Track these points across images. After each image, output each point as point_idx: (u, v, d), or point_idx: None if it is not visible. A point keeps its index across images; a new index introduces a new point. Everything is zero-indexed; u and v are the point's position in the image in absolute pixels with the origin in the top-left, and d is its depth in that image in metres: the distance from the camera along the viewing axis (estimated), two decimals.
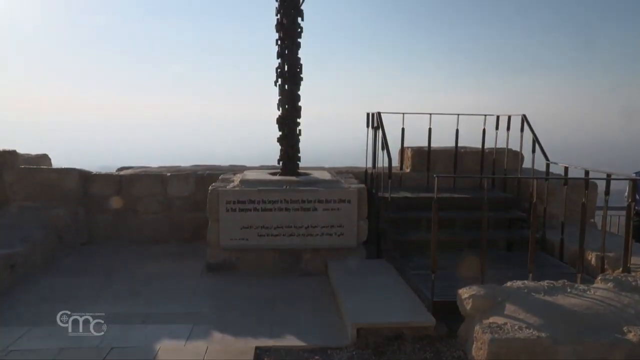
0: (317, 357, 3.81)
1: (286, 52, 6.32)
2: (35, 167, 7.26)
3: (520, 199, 6.71)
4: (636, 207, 5.86)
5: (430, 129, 7.11)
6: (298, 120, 6.49)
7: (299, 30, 6.33)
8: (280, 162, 6.62)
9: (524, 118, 6.63)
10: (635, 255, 4.48)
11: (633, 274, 4.24)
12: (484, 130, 7.11)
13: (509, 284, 3.97)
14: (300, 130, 6.53)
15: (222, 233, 5.81)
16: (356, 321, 4.11)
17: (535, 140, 6.42)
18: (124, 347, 3.96)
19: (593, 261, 5.22)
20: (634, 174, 6.83)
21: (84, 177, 7.22)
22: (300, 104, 6.46)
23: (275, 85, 6.43)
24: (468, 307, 3.74)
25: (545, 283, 3.96)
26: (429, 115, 6.95)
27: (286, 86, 6.38)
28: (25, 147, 7.74)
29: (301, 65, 6.40)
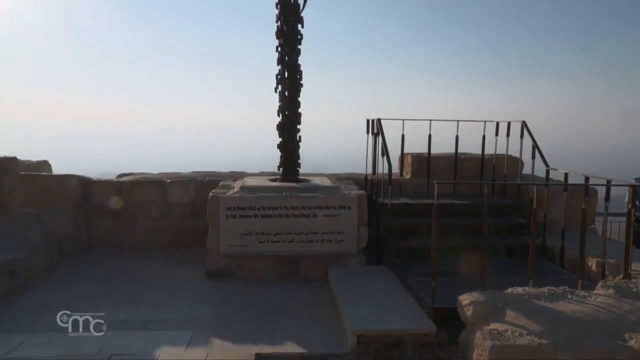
0: None
1: (286, 58, 6.34)
2: (35, 173, 7.26)
3: (520, 205, 6.71)
4: (636, 214, 5.86)
5: (430, 135, 7.11)
6: (298, 126, 6.51)
7: (299, 37, 6.36)
8: (280, 169, 6.63)
9: (524, 124, 6.64)
10: (635, 261, 4.48)
11: (634, 280, 4.23)
12: (483, 137, 7.13)
13: (509, 290, 3.96)
14: (300, 136, 6.54)
15: (222, 239, 5.81)
16: (356, 328, 4.10)
17: (535, 146, 6.42)
18: (123, 354, 3.95)
19: (594, 267, 5.21)
20: (634, 180, 6.82)
21: (84, 184, 7.22)
22: (300, 110, 6.48)
23: (276, 91, 6.45)
24: (469, 313, 3.73)
25: (545, 289, 3.95)
26: (428, 122, 6.96)
27: (286, 93, 6.40)
28: (26, 153, 7.75)
29: (301, 71, 6.43)
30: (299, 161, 6.63)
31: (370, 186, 6.84)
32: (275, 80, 6.43)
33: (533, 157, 6.44)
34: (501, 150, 7.09)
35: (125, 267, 6.29)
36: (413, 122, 6.90)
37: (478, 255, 4.40)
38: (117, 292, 5.35)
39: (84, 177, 7.31)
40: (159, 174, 8.07)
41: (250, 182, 6.52)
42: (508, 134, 6.89)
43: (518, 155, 7.09)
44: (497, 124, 6.95)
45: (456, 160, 7.27)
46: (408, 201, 6.64)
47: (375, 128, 6.56)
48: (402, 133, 6.96)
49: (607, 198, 4.65)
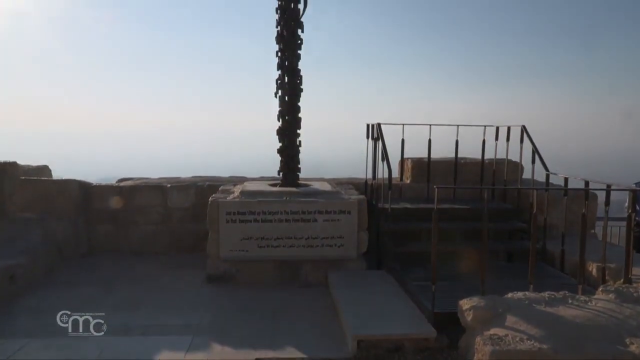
0: None
1: (286, 63, 6.35)
2: (35, 178, 7.26)
3: (520, 209, 6.71)
4: (636, 218, 5.86)
5: (430, 140, 7.13)
6: (298, 131, 6.51)
7: (299, 42, 6.37)
8: (281, 173, 6.63)
9: (524, 129, 6.65)
10: (636, 266, 4.47)
11: (634, 285, 4.22)
12: (483, 141, 7.13)
13: (509, 295, 3.96)
14: (300, 141, 6.54)
15: (222, 244, 5.81)
16: (356, 333, 4.09)
17: (535, 151, 6.43)
18: (123, 359, 3.94)
19: (594, 272, 5.21)
20: (634, 185, 6.83)
21: (84, 188, 7.22)
22: (300, 115, 6.48)
23: (276, 96, 6.46)
24: (469, 318, 3.72)
25: (546, 294, 3.94)
26: (428, 126, 6.97)
27: (286, 97, 6.40)
28: (26, 158, 7.75)
29: (301, 76, 6.43)
30: (299, 166, 6.63)
31: (370, 191, 6.84)
32: (275, 85, 6.44)
33: (533, 161, 6.44)
34: (501, 154, 7.10)
35: (125, 271, 6.29)
36: (413, 127, 6.92)
37: (478, 259, 4.40)
38: (117, 297, 5.34)
39: (84, 182, 7.31)
40: (159, 178, 8.07)
41: (250, 186, 6.52)
42: (508, 139, 6.90)
43: (518, 160, 7.10)
44: (497, 128, 6.97)
45: (456, 165, 7.28)
46: (408, 206, 6.64)
47: (375, 133, 6.57)
48: (402, 138, 6.98)
49: (607, 202, 4.65)
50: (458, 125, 7.06)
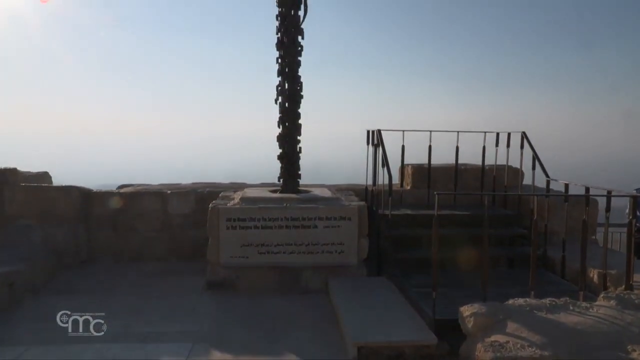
0: None
1: (286, 70, 6.36)
2: (35, 184, 7.26)
3: (521, 215, 6.70)
4: (637, 224, 5.86)
5: (430, 146, 7.13)
6: (298, 137, 6.52)
7: (299, 48, 6.39)
8: (281, 180, 6.63)
9: (524, 135, 6.66)
10: (637, 272, 4.46)
11: (636, 291, 4.21)
12: (483, 148, 7.14)
13: (510, 301, 3.94)
14: (300, 147, 6.55)
15: (222, 251, 5.79)
16: (357, 340, 4.07)
17: (535, 157, 6.44)
18: None
19: (595, 278, 5.19)
20: (635, 191, 6.83)
21: (85, 195, 7.22)
22: (300, 121, 6.49)
23: (276, 103, 6.47)
24: (470, 325, 3.71)
25: (547, 301, 3.93)
26: (429, 133, 6.97)
27: (286, 104, 6.41)
28: (26, 164, 7.76)
29: (301, 83, 6.45)
30: (299, 172, 6.63)
31: (370, 197, 6.84)
32: (275, 92, 6.45)
33: (533, 167, 6.45)
34: (501, 161, 7.10)
35: (125, 278, 6.27)
36: (413, 133, 6.92)
37: (479, 266, 4.39)
38: (116, 304, 5.32)
39: (84, 188, 7.30)
40: (159, 185, 8.07)
41: (251, 193, 6.52)
42: (508, 145, 6.91)
43: (518, 166, 7.10)
44: (497, 134, 6.97)
45: (456, 171, 7.28)
46: (408, 212, 6.64)
47: (376, 139, 6.58)
48: (402, 144, 6.98)
49: (608, 209, 4.65)
50: (458, 132, 7.07)
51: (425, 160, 7.32)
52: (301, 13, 6.37)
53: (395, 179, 7.12)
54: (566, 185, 5.58)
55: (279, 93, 6.44)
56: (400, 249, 6.06)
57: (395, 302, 5.02)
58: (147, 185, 8.10)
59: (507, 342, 3.36)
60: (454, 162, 7.32)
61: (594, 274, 5.23)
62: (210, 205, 5.97)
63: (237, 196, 6.36)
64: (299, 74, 6.43)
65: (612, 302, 3.89)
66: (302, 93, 6.46)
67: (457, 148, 7.21)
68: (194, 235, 7.05)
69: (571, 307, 3.83)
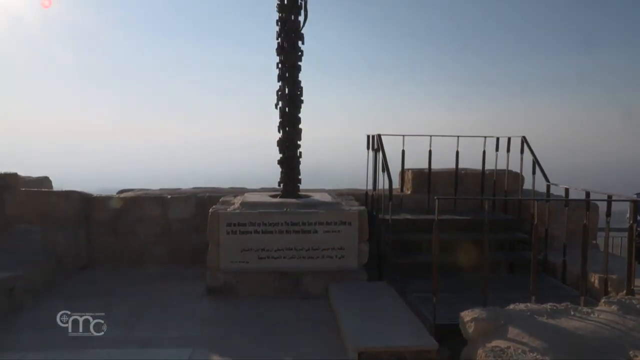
0: None
1: (287, 75, 6.37)
2: (36, 189, 7.26)
3: (521, 220, 6.70)
4: (638, 229, 5.85)
5: (430, 151, 7.13)
6: (298, 142, 6.52)
7: (299, 53, 6.40)
8: (281, 184, 6.63)
9: (524, 139, 6.66)
10: (638, 277, 4.45)
11: (637, 296, 4.20)
12: (484, 152, 7.13)
13: (511, 306, 3.93)
14: (300, 152, 6.55)
15: (223, 256, 5.79)
16: (357, 345, 4.06)
17: (536, 161, 6.43)
18: None
19: (596, 283, 5.18)
20: (635, 195, 6.82)
21: (85, 200, 7.22)
22: (300, 126, 6.50)
23: (276, 108, 6.48)
24: (470, 330, 3.69)
25: (548, 306, 3.92)
26: (429, 137, 6.97)
27: (287, 109, 6.42)
28: (26, 169, 7.76)
29: (301, 88, 6.46)
30: (300, 177, 6.63)
31: (371, 202, 6.83)
32: (275, 97, 6.46)
33: (533, 172, 6.44)
34: (501, 165, 7.09)
35: (125, 283, 6.26)
36: (413, 137, 6.92)
37: (479, 270, 4.38)
38: (116, 309, 5.30)
39: (84, 193, 7.30)
40: (160, 189, 8.06)
41: (251, 198, 6.51)
42: (508, 150, 6.90)
43: (518, 171, 7.10)
44: (497, 139, 6.97)
45: (457, 176, 7.27)
46: (409, 217, 6.63)
47: (376, 144, 6.58)
48: (402, 149, 6.98)
49: (609, 213, 4.64)
50: (458, 136, 7.06)
51: (425, 165, 7.32)
52: (301, 18, 6.39)
53: (396, 184, 7.11)
54: (566, 190, 5.58)
55: (279, 98, 6.45)
56: (400, 253, 6.05)
57: (396, 307, 5.01)
58: (147, 189, 8.09)
59: (508, 347, 3.34)
60: (454, 166, 7.31)
61: (595, 279, 5.21)
62: (211, 210, 5.97)
63: (237, 201, 6.36)
64: (299, 78, 6.44)
65: (614, 307, 3.87)
66: (302, 98, 6.47)
67: (457, 153, 7.20)
68: (194, 240, 7.04)
69: (572, 312, 3.81)
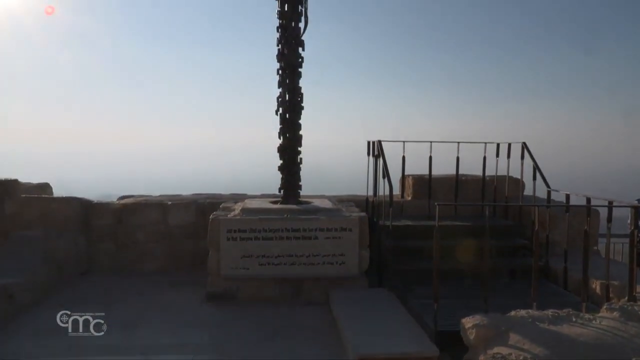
0: None
1: (287, 81, 6.39)
2: (36, 196, 7.26)
3: (522, 226, 6.69)
4: (639, 235, 5.85)
5: (430, 157, 7.13)
6: (299, 148, 6.53)
7: (300, 60, 6.42)
8: (281, 191, 6.62)
9: (524, 146, 6.66)
10: None
11: (639, 302, 4.18)
12: (484, 158, 7.13)
13: (512, 313, 3.92)
14: (301, 158, 6.55)
15: (223, 262, 5.78)
16: (358, 352, 4.05)
17: (536, 167, 6.43)
18: None
19: (598, 289, 5.17)
20: (636, 201, 6.82)
21: (85, 206, 7.22)
22: (301, 132, 6.50)
23: (277, 114, 6.48)
24: (471, 337, 3.68)
25: (549, 312, 3.90)
26: (429, 143, 6.98)
27: (287, 115, 6.43)
28: (27, 176, 7.76)
29: (302, 94, 6.47)
30: (300, 183, 6.63)
31: (371, 208, 6.83)
32: (276, 103, 6.47)
33: (534, 178, 6.44)
34: (502, 171, 7.09)
35: (126, 289, 6.24)
36: (414, 144, 6.93)
37: (480, 277, 4.37)
38: (116, 316, 5.28)
39: (84, 200, 7.30)
40: (160, 196, 8.06)
41: (251, 204, 6.51)
42: (509, 156, 6.91)
43: (519, 177, 7.09)
44: (498, 145, 6.98)
45: (457, 182, 7.27)
46: (409, 223, 6.62)
47: (376, 150, 6.58)
48: (402, 155, 6.99)
49: (609, 219, 4.63)
50: (459, 142, 7.07)
51: (425, 171, 7.32)
52: (302, 25, 6.41)
53: (396, 190, 7.11)
54: (567, 196, 5.57)
55: (279, 104, 6.46)
56: (401, 260, 6.04)
57: (397, 313, 5.00)
58: (148, 196, 8.09)
59: (510, 354, 3.33)
60: (454, 172, 7.31)
61: (596, 285, 5.20)
62: (211, 216, 5.96)
63: (238, 207, 6.36)
64: (300, 85, 6.45)
65: (615, 314, 3.86)
66: (302, 104, 6.48)
67: (458, 159, 7.21)
68: (195, 246, 7.03)
69: (574, 319, 3.80)
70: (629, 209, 4.72)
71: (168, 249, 7.23)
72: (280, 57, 6.40)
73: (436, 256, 4.25)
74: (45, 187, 8.05)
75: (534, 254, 4.37)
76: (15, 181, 7.14)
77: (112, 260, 7.16)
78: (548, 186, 6.22)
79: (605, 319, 3.78)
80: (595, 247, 6.62)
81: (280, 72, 6.43)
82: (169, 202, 7.37)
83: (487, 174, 7.25)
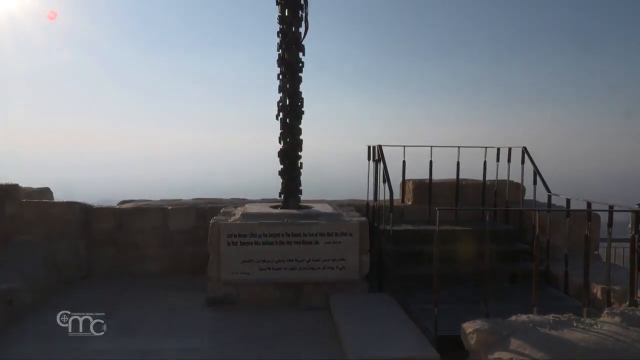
0: None
1: (287, 86, 6.40)
2: (36, 200, 7.26)
3: (522, 231, 6.68)
4: None
5: (431, 162, 7.13)
6: (299, 153, 6.53)
7: (300, 65, 6.43)
8: (282, 195, 6.62)
9: (525, 150, 6.66)
10: None
11: None
12: (484, 163, 7.13)
13: (513, 317, 3.91)
14: (301, 163, 6.56)
15: (223, 267, 5.77)
16: (359, 357, 4.04)
17: (536, 172, 6.43)
18: None
19: (599, 294, 5.15)
20: (637, 206, 6.82)
21: (85, 211, 7.22)
22: (301, 137, 6.50)
23: (277, 119, 6.49)
24: (472, 341, 3.67)
25: (550, 317, 3.89)
26: (429, 148, 6.98)
27: (287, 120, 6.43)
28: (27, 180, 7.76)
29: (302, 99, 6.48)
30: (300, 188, 6.63)
31: (372, 213, 6.82)
32: (277, 108, 6.48)
33: (534, 182, 6.44)
34: (502, 176, 7.09)
35: (126, 294, 6.24)
36: (414, 148, 6.93)
37: (481, 281, 4.36)
38: (116, 320, 5.27)
39: (85, 204, 7.30)
40: (160, 200, 8.06)
41: (252, 208, 6.51)
42: (509, 160, 6.91)
43: (519, 181, 7.09)
44: (498, 149, 6.98)
45: (457, 186, 7.27)
46: (410, 227, 6.62)
47: (377, 154, 6.59)
48: (403, 159, 6.99)
49: (610, 224, 4.63)
50: (459, 147, 7.07)
51: (426, 176, 7.32)
52: (302, 30, 6.43)
53: (397, 195, 7.11)
54: (568, 201, 5.57)
55: (280, 109, 6.46)
56: (401, 264, 6.03)
57: (397, 318, 4.99)
58: (148, 200, 8.10)
59: (511, 359, 3.32)
60: (455, 177, 7.31)
61: (597, 290, 5.19)
62: (212, 221, 5.96)
63: (238, 212, 6.35)
64: (300, 90, 6.46)
65: (617, 319, 3.84)
66: (303, 109, 6.49)
67: (458, 163, 7.20)
68: (195, 251, 7.03)
69: (575, 324, 3.79)
70: (629, 213, 4.71)
71: (168, 253, 7.22)
72: (281, 61, 6.42)
73: (437, 261, 4.25)
74: (45, 192, 8.05)
75: (535, 258, 4.37)
76: (16, 186, 7.14)
77: (113, 264, 7.16)
78: (548, 190, 6.22)
79: (607, 324, 3.77)
80: (596, 252, 6.61)
81: (280, 76, 6.44)
82: (169, 207, 7.37)
83: (487, 178, 7.24)
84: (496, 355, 3.40)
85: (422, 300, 5.19)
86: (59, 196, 8.16)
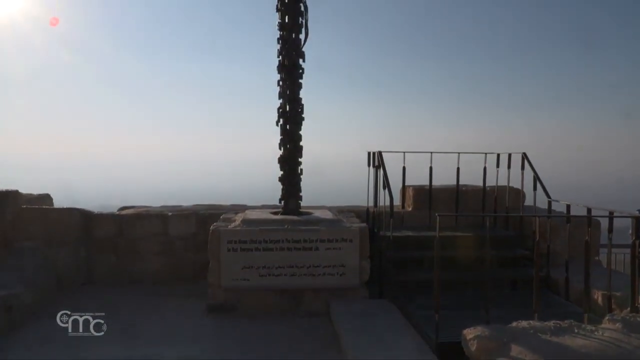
0: None
1: (288, 92, 6.41)
2: (37, 207, 7.26)
3: (523, 236, 6.67)
4: None
5: (431, 168, 7.13)
6: (299, 159, 6.53)
7: (300, 71, 6.44)
8: (282, 201, 6.62)
9: (524, 156, 6.66)
10: None
11: None
12: (484, 169, 7.13)
13: (514, 324, 3.89)
14: (301, 169, 6.56)
15: (224, 273, 5.76)
16: None
17: (536, 177, 6.44)
18: None
19: (599, 300, 5.14)
20: (637, 211, 6.81)
21: (85, 217, 7.21)
22: (301, 143, 6.51)
23: (277, 125, 6.49)
24: (473, 348, 3.66)
25: (551, 323, 3.88)
26: (429, 154, 6.98)
27: (288, 126, 6.44)
28: (27, 186, 7.76)
29: (302, 105, 6.48)
30: (301, 194, 6.63)
31: (372, 219, 6.82)
32: (277, 114, 6.48)
33: (534, 188, 6.44)
34: (502, 181, 7.09)
35: (125, 301, 6.22)
36: (414, 155, 6.94)
37: (482, 287, 4.35)
38: (116, 327, 5.25)
39: (85, 211, 7.30)
40: (161, 206, 8.06)
41: (252, 215, 6.50)
42: (509, 166, 6.91)
43: (519, 187, 7.09)
44: (498, 155, 6.98)
45: (457, 192, 7.27)
46: (410, 234, 6.61)
47: (377, 161, 6.59)
48: (403, 165, 6.99)
49: (610, 229, 4.63)
50: (459, 153, 7.08)
51: (426, 182, 7.32)
52: (302, 36, 6.45)
53: (397, 201, 7.11)
54: (568, 206, 5.57)
55: (280, 115, 6.47)
56: (402, 270, 6.02)
57: (397, 324, 4.97)
58: (148, 206, 8.09)
59: None
60: (455, 183, 7.31)
61: (598, 296, 5.17)
62: (212, 227, 5.95)
63: (239, 218, 6.35)
64: (300, 96, 6.47)
65: (618, 325, 3.83)
66: (303, 115, 6.50)
67: (458, 169, 7.21)
68: (195, 257, 7.02)
69: (576, 330, 3.77)
70: (630, 219, 4.71)
71: (168, 259, 7.21)
72: (281, 68, 6.43)
73: (437, 267, 4.24)
74: (45, 198, 8.05)
75: (535, 264, 4.36)
76: (16, 192, 7.14)
77: (113, 271, 7.15)
78: (549, 196, 6.21)
79: (608, 330, 3.76)
80: (597, 258, 6.59)
81: (280, 83, 6.46)
82: (170, 213, 7.37)
83: (487, 184, 7.24)
84: None
85: (422, 307, 5.17)
86: (58, 203, 8.16)
